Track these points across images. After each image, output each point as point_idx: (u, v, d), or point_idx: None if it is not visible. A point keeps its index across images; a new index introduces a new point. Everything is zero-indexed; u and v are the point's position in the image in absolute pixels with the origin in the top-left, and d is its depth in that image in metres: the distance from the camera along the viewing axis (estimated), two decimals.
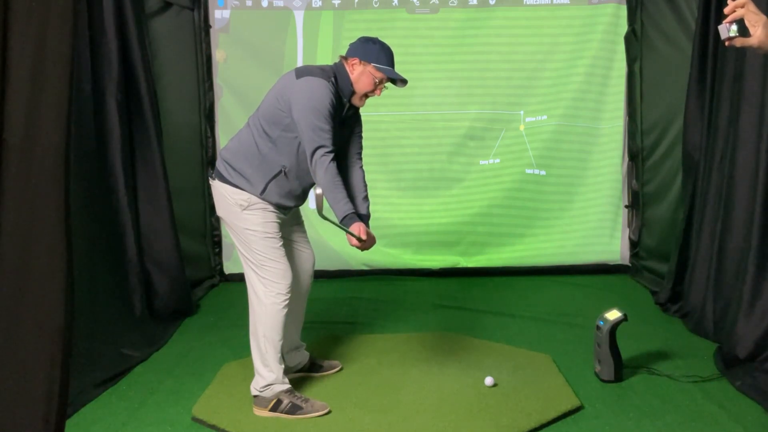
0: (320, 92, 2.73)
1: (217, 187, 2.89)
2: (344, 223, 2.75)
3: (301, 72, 2.82)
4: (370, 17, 4.94)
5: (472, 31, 4.99)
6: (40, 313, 1.58)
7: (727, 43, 1.76)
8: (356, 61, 2.85)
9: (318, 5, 4.97)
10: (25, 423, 1.58)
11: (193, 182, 4.94)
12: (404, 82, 2.89)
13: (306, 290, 3.18)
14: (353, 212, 2.76)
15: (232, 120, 4.91)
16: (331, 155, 2.73)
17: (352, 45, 2.93)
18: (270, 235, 2.85)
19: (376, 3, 4.98)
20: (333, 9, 4.96)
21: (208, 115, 5.02)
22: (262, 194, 2.82)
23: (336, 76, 2.85)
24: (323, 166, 2.71)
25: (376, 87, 2.88)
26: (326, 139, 2.72)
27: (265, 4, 4.97)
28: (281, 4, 4.98)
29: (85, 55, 3.63)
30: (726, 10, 1.74)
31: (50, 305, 1.58)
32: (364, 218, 2.88)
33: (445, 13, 4.97)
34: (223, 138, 4.99)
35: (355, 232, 2.72)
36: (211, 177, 2.94)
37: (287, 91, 2.78)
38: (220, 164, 2.91)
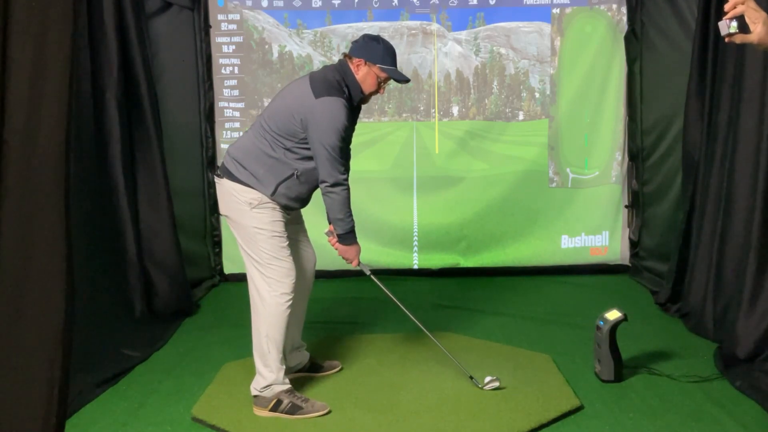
0: (338, 115, 2.76)
1: (225, 185, 2.88)
2: (350, 236, 2.98)
3: (318, 88, 2.79)
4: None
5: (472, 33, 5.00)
6: (40, 314, 1.58)
7: (726, 40, 1.77)
8: (361, 62, 2.87)
9: (318, 5, 4.97)
10: (25, 423, 1.58)
11: (193, 182, 4.94)
12: (407, 81, 2.97)
13: (308, 289, 3.19)
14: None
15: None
16: (347, 185, 2.86)
17: (355, 44, 2.93)
18: (277, 234, 2.85)
19: (376, 3, 4.98)
20: (333, 9, 4.96)
21: (208, 115, 5.01)
22: (272, 195, 2.83)
23: (347, 85, 2.86)
24: (342, 198, 2.85)
25: (380, 86, 2.93)
26: (343, 171, 2.83)
27: (265, 3, 4.97)
28: (281, 4, 4.98)
29: (85, 55, 3.63)
30: (726, 7, 1.74)
31: (50, 305, 1.58)
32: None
33: (446, 14, 4.98)
34: (223, 138, 5.00)
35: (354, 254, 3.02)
36: (218, 175, 2.93)
37: (305, 110, 2.77)
38: (229, 162, 2.90)
